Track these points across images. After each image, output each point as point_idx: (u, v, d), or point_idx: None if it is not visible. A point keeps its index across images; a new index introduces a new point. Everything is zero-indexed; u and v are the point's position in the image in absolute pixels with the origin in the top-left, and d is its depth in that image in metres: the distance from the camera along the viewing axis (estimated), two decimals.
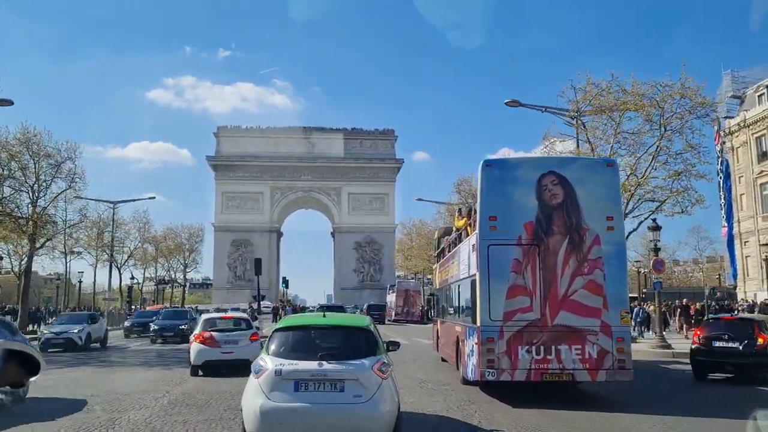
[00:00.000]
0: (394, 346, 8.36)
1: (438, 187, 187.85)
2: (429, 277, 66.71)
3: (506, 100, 23.51)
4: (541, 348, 10.86)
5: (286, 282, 55.95)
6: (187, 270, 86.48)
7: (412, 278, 67.51)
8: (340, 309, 36.15)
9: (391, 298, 56.80)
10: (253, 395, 6.85)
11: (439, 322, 18.88)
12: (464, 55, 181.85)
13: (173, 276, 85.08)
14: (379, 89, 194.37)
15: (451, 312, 15.70)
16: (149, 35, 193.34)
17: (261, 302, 73.45)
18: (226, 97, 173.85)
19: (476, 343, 11.21)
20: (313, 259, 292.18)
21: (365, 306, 52.83)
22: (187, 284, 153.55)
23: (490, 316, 11.03)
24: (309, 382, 6.81)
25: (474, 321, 11.51)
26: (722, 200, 45.64)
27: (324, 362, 6.90)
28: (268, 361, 7.03)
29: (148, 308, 59.78)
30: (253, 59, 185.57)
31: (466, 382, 12.82)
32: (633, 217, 24.93)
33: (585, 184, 11.28)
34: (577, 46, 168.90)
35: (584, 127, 24.69)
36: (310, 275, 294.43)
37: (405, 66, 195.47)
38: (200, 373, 15.28)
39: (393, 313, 53.29)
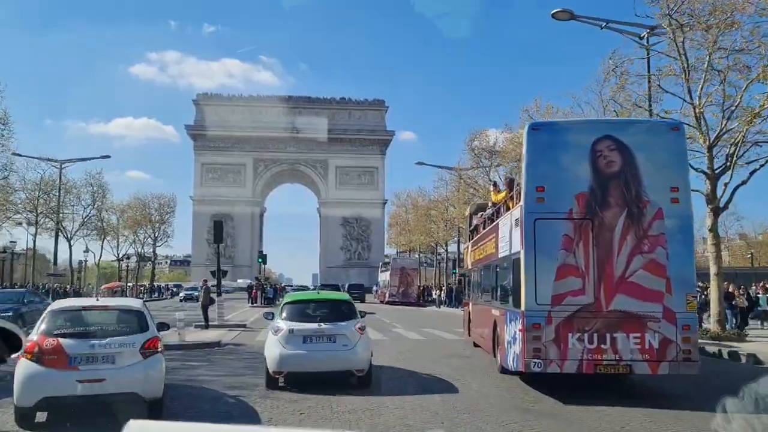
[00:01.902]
0: (365, 314, 12.40)
1: (425, 168, 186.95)
2: (428, 254, 65.65)
3: (554, 11, 19.01)
4: (595, 336, 9.95)
5: (263, 257, 52.12)
6: (158, 244, 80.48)
7: (405, 255, 66.16)
8: (336, 288, 40.68)
9: (384, 277, 54.39)
10: (274, 346, 10.47)
11: (471, 305, 18.10)
12: (454, 43, 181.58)
13: (140, 251, 79.45)
14: (367, 66, 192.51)
15: (487, 294, 14.80)
16: (132, 8, 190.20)
17: (236, 281, 71.93)
18: (212, 73, 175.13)
19: (520, 330, 10.29)
20: (299, 237, 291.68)
21: (346, 285, 55.71)
22: (168, 261, 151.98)
23: (537, 300, 10.09)
24: (312, 337, 10.51)
25: (517, 305, 10.58)
26: None
27: (321, 323, 10.66)
28: (283, 325, 10.65)
29: (104, 287, 56.90)
30: (239, 35, 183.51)
31: (504, 371, 11.99)
32: (743, 165, 19.66)
33: (646, 149, 10.28)
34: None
35: (675, 34, 18.53)
36: (296, 254, 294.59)
37: (394, 45, 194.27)
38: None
39: (387, 294, 50.16)
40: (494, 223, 13.84)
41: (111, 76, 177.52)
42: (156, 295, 68.80)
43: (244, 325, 24.48)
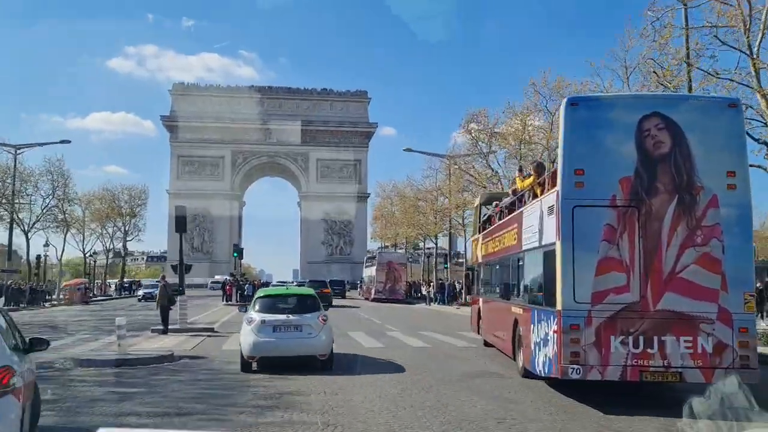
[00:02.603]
0: (328, 306, 15.26)
1: (406, 163, 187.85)
2: (410, 249, 64.13)
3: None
4: (640, 339, 8.90)
5: (239, 252, 49.78)
6: (128, 238, 75.20)
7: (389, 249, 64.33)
8: (323, 284, 42.95)
9: (370, 272, 52.13)
10: (248, 335, 12.14)
11: (482, 301, 17.06)
12: (431, 44, 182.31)
13: (109, 246, 74.41)
14: (348, 61, 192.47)
15: (505, 291, 13.72)
16: (109, 0, 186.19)
17: (214, 277, 69.42)
18: (191, 67, 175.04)
19: (555, 331, 9.21)
20: (280, 233, 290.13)
21: (328, 281, 54.90)
22: (145, 257, 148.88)
23: (575, 298, 9.01)
24: (281, 326, 12.21)
25: (551, 303, 9.49)
26: None
27: (289, 315, 12.40)
28: (255, 316, 12.37)
29: (65, 284, 53.04)
30: (218, 29, 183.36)
31: (527, 374, 10.94)
32: None
33: (699, 129, 9.23)
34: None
35: None
36: (277, 249, 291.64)
37: (375, 41, 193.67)
38: None
39: (373, 291, 47.85)
40: (516, 213, 12.73)
41: (88, 70, 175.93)
42: (127, 292, 66.25)
43: (211, 329, 21.37)
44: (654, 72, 18.76)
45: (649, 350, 8.89)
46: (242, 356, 12.25)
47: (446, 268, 43.23)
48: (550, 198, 9.79)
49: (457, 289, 42.77)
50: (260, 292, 14.13)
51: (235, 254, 48.21)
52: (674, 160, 9.13)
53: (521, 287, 12.08)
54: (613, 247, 9.07)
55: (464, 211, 40.07)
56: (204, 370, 13.05)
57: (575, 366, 8.93)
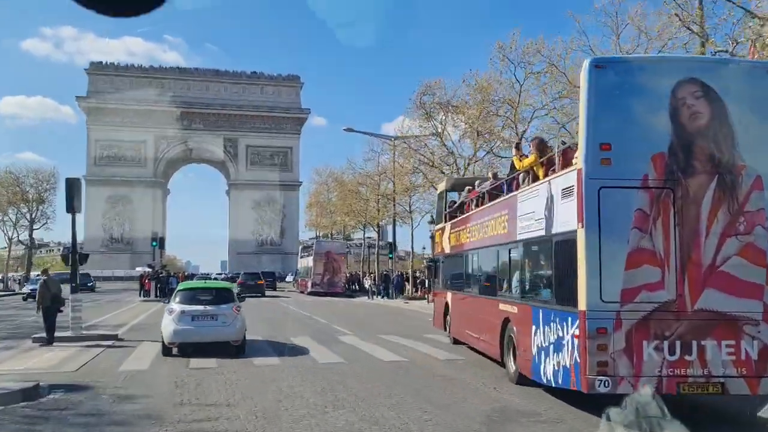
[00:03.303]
0: (243, 300, 15.25)
1: (339, 152, 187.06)
2: (354, 238, 61.69)
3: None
4: (677, 344, 7.61)
5: (159, 241, 45.88)
6: (35, 227, 67.70)
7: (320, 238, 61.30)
8: (257, 276, 44.34)
9: (306, 263, 48.94)
10: (169, 324, 13.42)
11: (450, 295, 15.66)
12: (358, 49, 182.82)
13: (12, 234, 66.64)
14: (278, 48, 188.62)
15: (488, 285, 12.30)
16: None
17: (134, 269, 64.66)
18: (112, 50, 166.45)
19: (577, 336, 7.81)
20: (208, 222, 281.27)
21: (260, 272, 55.22)
22: (61, 248, 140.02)
23: (602, 296, 7.63)
24: (199, 316, 13.58)
25: (569, 302, 8.08)
26: None
27: (207, 306, 13.76)
28: (176, 307, 13.66)
29: None
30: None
31: (522, 381, 9.65)
32: None
33: (743, 98, 8.00)
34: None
35: None
36: (205, 240, 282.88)
37: (304, 29, 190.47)
38: None
39: (309, 283, 44.62)
40: (506, 198, 11.28)
41: None
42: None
43: (115, 336, 16.55)
44: (675, 14, 16.57)
45: (686, 357, 7.62)
46: (163, 343, 13.56)
47: (391, 257, 41.32)
48: (567, 178, 8.35)
49: (406, 281, 41.05)
50: (181, 286, 16.23)
51: (155, 243, 43.95)
52: (713, 134, 7.86)
53: (514, 282, 10.67)
54: (645, 236, 7.72)
55: (411, 197, 38.24)
56: (84, 413, 8.33)
57: (603, 378, 7.54)
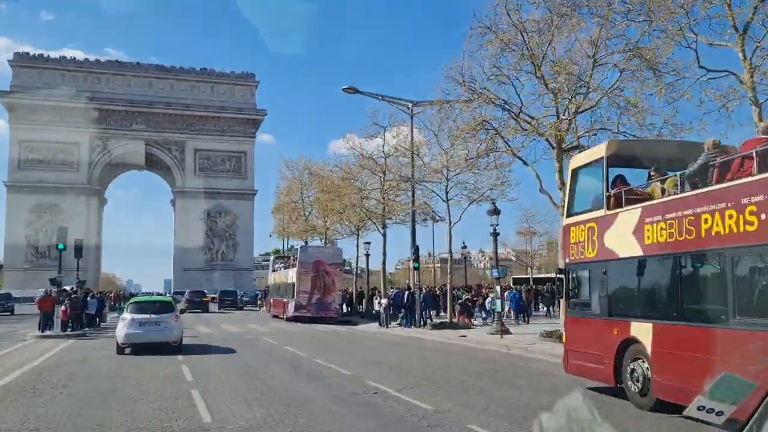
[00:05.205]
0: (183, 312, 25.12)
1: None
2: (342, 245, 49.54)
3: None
4: None
5: (76, 249, 29.51)
6: None
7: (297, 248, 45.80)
8: (203, 294, 47.81)
9: (282, 278, 38.37)
10: (122, 329, 17.35)
11: (648, 327, 9.08)
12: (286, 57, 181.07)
13: None
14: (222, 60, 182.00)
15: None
16: None
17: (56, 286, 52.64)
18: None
19: None
20: (151, 237, 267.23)
21: (219, 291, 56.69)
22: None
23: None
24: (146, 323, 17.45)
25: None
26: None
27: (152, 315, 17.67)
28: (128, 315, 17.67)
29: None
30: (84, 25, 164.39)
31: None
32: None
33: None
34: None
35: None
36: (148, 256, 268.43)
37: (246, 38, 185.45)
38: None
39: (291, 306, 33.62)
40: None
41: None
42: None
43: None
44: None
45: None
46: (117, 344, 17.49)
47: (417, 268, 28.22)
48: None
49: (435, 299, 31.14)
50: (132, 300, 21.37)
51: (61, 246, 27.49)
52: None
53: None
54: None
55: (448, 180, 25.58)
56: None
57: None
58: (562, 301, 15.24)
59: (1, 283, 78.93)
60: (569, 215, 11.47)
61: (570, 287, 11.47)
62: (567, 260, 11.43)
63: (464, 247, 49.32)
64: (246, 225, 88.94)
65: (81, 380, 12.74)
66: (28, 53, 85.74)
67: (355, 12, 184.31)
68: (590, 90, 17.69)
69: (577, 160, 11.91)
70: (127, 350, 17.24)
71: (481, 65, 19.14)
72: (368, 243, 36.71)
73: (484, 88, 19.15)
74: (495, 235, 22.57)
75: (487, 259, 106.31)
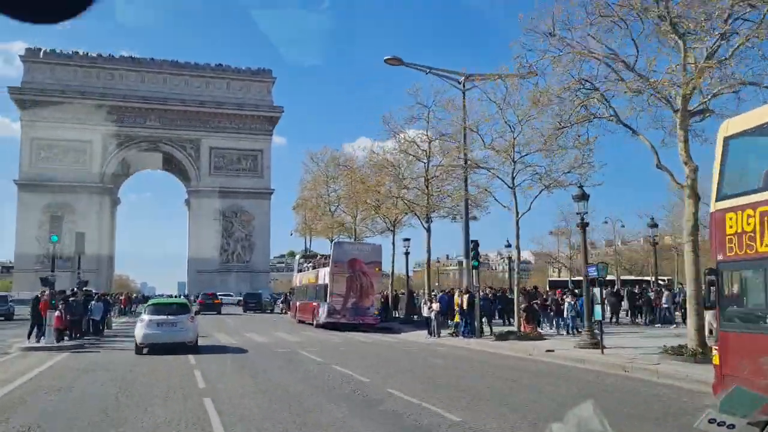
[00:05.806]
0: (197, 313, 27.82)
1: (296, 172, 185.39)
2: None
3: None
4: None
5: (77, 240, 27.39)
6: None
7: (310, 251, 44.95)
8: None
9: (311, 279, 34.86)
10: (140, 329, 18.59)
11: None
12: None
13: None
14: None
15: None
16: None
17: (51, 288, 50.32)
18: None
19: None
20: (166, 238, 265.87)
21: (243, 294, 57.83)
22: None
23: None
24: (163, 323, 18.73)
25: None
26: None
27: (168, 316, 19.00)
28: (146, 317, 18.98)
29: None
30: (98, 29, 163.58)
31: None
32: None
33: None
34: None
35: None
36: (162, 258, 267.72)
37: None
38: None
39: (323, 311, 30.11)
40: None
41: None
42: None
43: None
44: None
45: None
46: (136, 344, 18.63)
47: (476, 266, 24.96)
48: None
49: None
50: (150, 301, 22.90)
51: (54, 238, 23.20)
52: None
53: None
54: None
55: (515, 162, 22.48)
56: None
57: None
58: (708, 312, 12.66)
59: (10, 284, 77.02)
60: (721, 198, 8.95)
61: (726, 293, 8.98)
62: (720, 257, 8.89)
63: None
64: (262, 225, 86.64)
65: None
66: (39, 49, 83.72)
67: (365, 21, 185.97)
68: (730, 32, 14.28)
69: (734, 124, 9.37)
70: (145, 350, 18.51)
71: (583, 4, 15.93)
72: (408, 239, 33.95)
73: (585, 36, 15.96)
74: (583, 225, 19.59)
75: (505, 261, 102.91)
